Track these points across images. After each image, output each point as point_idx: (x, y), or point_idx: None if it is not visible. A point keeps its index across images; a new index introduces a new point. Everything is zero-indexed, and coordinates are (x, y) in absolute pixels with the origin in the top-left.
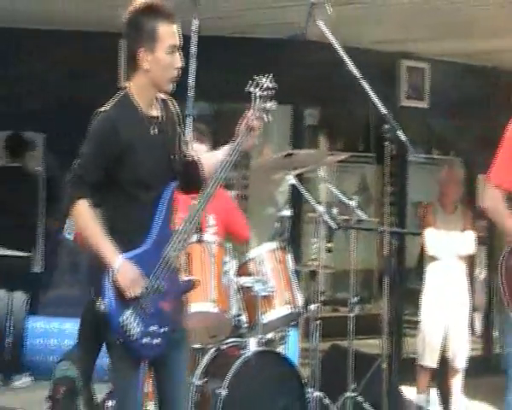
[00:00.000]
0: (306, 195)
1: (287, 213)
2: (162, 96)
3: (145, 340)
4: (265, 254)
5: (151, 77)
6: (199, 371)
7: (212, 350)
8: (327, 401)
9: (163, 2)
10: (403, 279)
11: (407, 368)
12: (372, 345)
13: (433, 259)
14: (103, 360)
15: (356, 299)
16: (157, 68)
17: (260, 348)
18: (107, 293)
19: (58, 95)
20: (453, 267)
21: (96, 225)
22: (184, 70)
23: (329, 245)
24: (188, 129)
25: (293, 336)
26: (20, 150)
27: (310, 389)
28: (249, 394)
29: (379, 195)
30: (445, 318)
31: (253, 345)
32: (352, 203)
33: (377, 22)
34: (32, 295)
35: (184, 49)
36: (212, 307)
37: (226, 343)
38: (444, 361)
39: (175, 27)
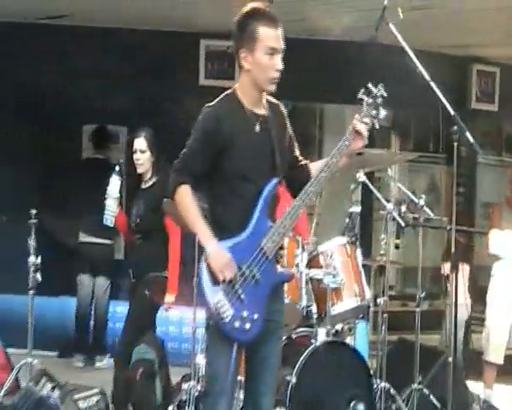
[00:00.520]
0: (376, 192)
1: (357, 209)
2: (272, 99)
3: (237, 324)
4: (335, 248)
5: (252, 76)
6: None
7: (283, 339)
8: (393, 392)
9: (267, 8)
10: (471, 277)
11: (474, 363)
12: (436, 340)
13: (498, 258)
14: (176, 344)
15: (423, 294)
16: (256, 68)
17: (329, 339)
18: (202, 275)
19: (139, 91)
20: None
21: (196, 209)
22: None
23: (398, 242)
24: None
25: (363, 328)
26: (104, 143)
27: (377, 380)
28: (317, 382)
29: (448, 194)
30: (510, 316)
31: (321, 335)
32: (421, 202)
33: (449, 27)
34: (114, 280)
35: None
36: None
37: (296, 333)
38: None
39: (276, 31)
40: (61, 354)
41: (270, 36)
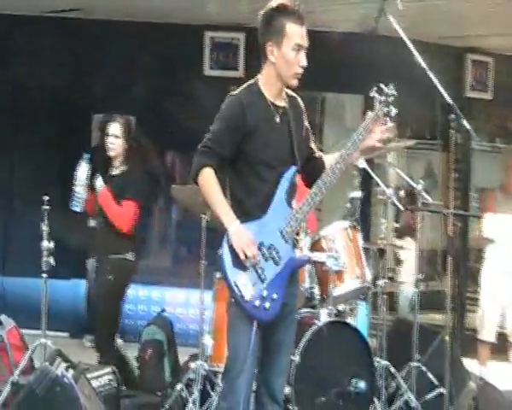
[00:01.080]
0: (377, 178)
1: (357, 194)
2: (290, 92)
3: (257, 302)
4: (337, 232)
5: (277, 70)
6: None
7: None
8: (393, 369)
9: (295, 5)
10: (466, 259)
11: (469, 342)
12: (435, 319)
13: (491, 241)
14: (184, 325)
15: (421, 276)
16: (282, 62)
17: (331, 319)
18: (224, 254)
19: (147, 82)
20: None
21: (219, 191)
22: None
23: (397, 225)
24: None
25: (364, 309)
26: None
27: (377, 359)
28: (320, 361)
29: (444, 180)
30: (503, 296)
31: (324, 316)
32: (419, 187)
33: (445, 18)
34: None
35: None
36: None
37: (299, 313)
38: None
39: (303, 28)
40: (73, 334)
41: (297, 33)
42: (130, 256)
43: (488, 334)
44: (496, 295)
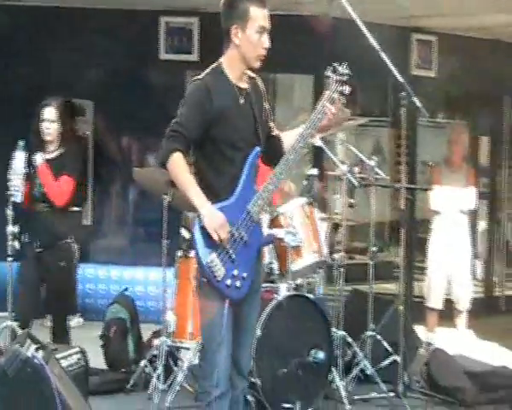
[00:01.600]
0: (332, 156)
1: (314, 172)
2: (251, 74)
3: (228, 281)
4: (295, 209)
5: (241, 52)
6: None
7: None
8: (349, 339)
9: None
10: (414, 230)
11: (417, 310)
12: (383, 289)
13: (437, 212)
14: (143, 302)
15: (375, 248)
16: (247, 45)
17: (290, 293)
18: (196, 236)
19: (104, 66)
20: (456, 220)
21: (189, 175)
22: None
23: (352, 201)
24: None
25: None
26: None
27: (334, 329)
28: (281, 334)
29: (392, 155)
30: (449, 265)
31: (283, 290)
32: (372, 163)
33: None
34: (83, 245)
35: None
36: None
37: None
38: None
39: (265, 11)
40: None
41: (260, 16)
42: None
43: (435, 301)
44: (442, 264)
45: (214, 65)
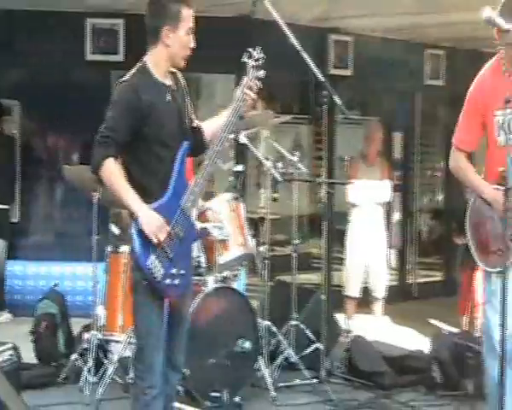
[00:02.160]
0: (256, 152)
1: (240, 168)
2: (171, 69)
3: (168, 281)
4: (222, 204)
5: (170, 52)
6: None
7: None
8: (274, 328)
9: None
10: (332, 222)
11: (336, 298)
12: (303, 279)
13: (355, 205)
14: (75, 297)
15: (298, 241)
16: (177, 45)
17: (218, 285)
18: (134, 239)
19: (31, 66)
20: (372, 212)
21: (123, 180)
22: None
23: (275, 195)
24: None
25: (243, 274)
26: None
27: (260, 319)
28: (209, 325)
29: (312, 151)
30: (366, 255)
31: (211, 282)
32: (295, 159)
33: (310, 2)
34: (11, 242)
35: None
36: None
37: None
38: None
39: (192, 11)
40: None
41: (190, 17)
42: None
43: (354, 290)
44: (360, 254)
45: (139, 64)
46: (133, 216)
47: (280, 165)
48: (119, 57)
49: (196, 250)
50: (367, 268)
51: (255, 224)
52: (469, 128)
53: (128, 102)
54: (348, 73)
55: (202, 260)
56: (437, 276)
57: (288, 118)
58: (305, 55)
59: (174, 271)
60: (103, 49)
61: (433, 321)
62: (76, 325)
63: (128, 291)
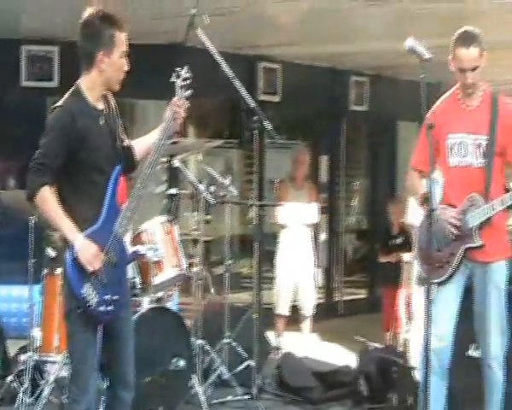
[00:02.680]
0: (190, 176)
1: (173, 191)
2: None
3: (101, 308)
4: (156, 226)
5: (105, 76)
6: None
7: None
8: (207, 347)
9: (118, 13)
10: (263, 243)
11: (267, 316)
12: (234, 299)
13: (284, 226)
14: (10, 319)
15: (230, 261)
16: (112, 70)
17: (153, 305)
18: (69, 269)
19: None
20: (301, 233)
21: (58, 208)
22: None
23: (208, 217)
24: None
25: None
26: None
27: (193, 338)
28: (144, 344)
29: (242, 175)
30: (295, 274)
31: (146, 303)
32: (227, 182)
33: (241, 31)
34: None
35: None
36: None
37: None
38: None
39: (125, 35)
40: None
41: (124, 40)
42: None
43: (283, 308)
44: (289, 274)
45: (72, 89)
46: (68, 244)
47: (212, 188)
48: (54, 83)
49: (131, 272)
50: (296, 287)
51: (189, 245)
52: (423, 149)
53: (62, 128)
54: (276, 98)
55: (137, 281)
56: (362, 293)
57: (219, 142)
58: (236, 82)
59: (108, 297)
60: (38, 76)
61: (358, 337)
62: (11, 346)
63: (61, 311)
